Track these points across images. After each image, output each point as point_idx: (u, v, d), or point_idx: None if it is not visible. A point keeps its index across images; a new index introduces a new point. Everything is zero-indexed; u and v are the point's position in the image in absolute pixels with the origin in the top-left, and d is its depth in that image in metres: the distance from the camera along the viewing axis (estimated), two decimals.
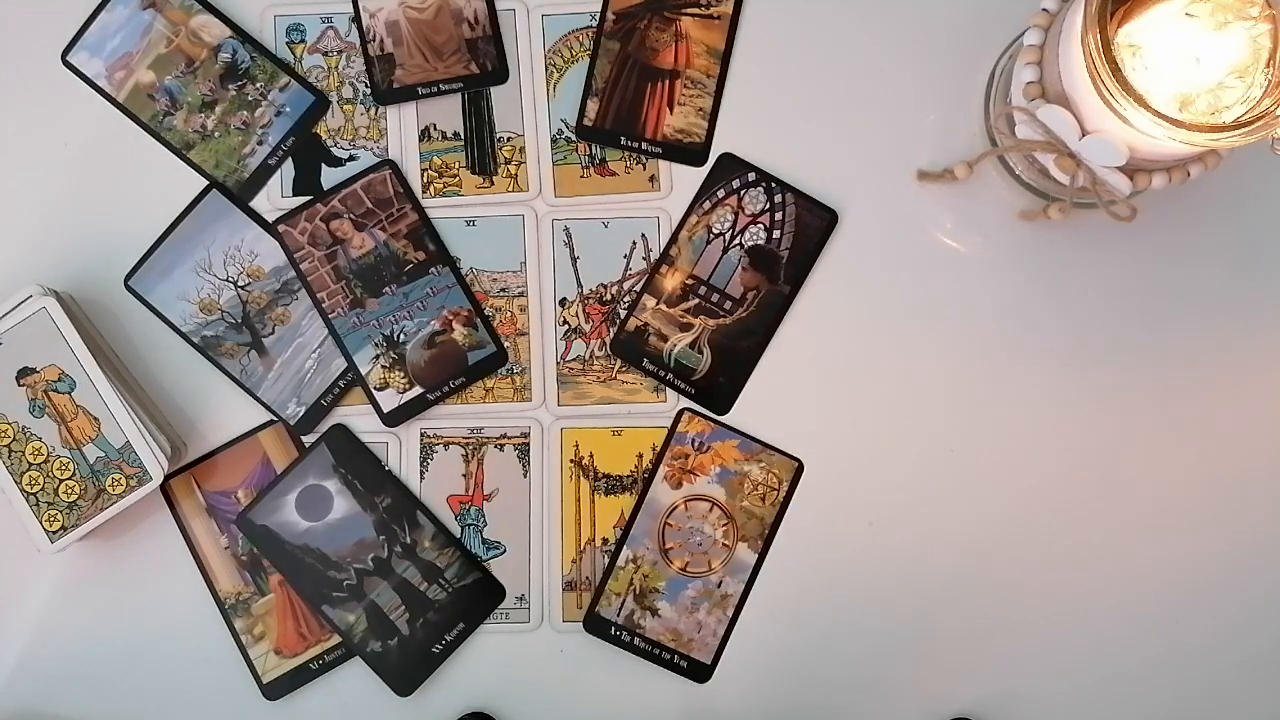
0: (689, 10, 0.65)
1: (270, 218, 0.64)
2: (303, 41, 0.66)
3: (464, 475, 0.64)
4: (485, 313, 0.64)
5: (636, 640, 0.62)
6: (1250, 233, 0.63)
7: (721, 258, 0.63)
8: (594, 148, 0.65)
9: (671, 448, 0.63)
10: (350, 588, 0.63)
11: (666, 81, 0.65)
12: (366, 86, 0.65)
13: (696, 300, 0.63)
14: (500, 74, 0.65)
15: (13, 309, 0.61)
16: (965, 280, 0.63)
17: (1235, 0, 0.49)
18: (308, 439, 0.64)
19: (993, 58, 0.61)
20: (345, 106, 0.65)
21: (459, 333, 0.64)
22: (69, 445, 0.60)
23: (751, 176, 0.64)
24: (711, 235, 0.64)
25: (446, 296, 0.64)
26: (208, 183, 0.65)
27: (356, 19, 0.65)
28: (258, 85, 0.65)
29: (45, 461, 0.60)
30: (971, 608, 0.62)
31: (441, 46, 0.65)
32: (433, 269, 0.64)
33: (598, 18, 0.65)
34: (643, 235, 0.64)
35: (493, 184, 0.65)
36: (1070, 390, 0.62)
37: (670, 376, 0.63)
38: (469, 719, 0.62)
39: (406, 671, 0.62)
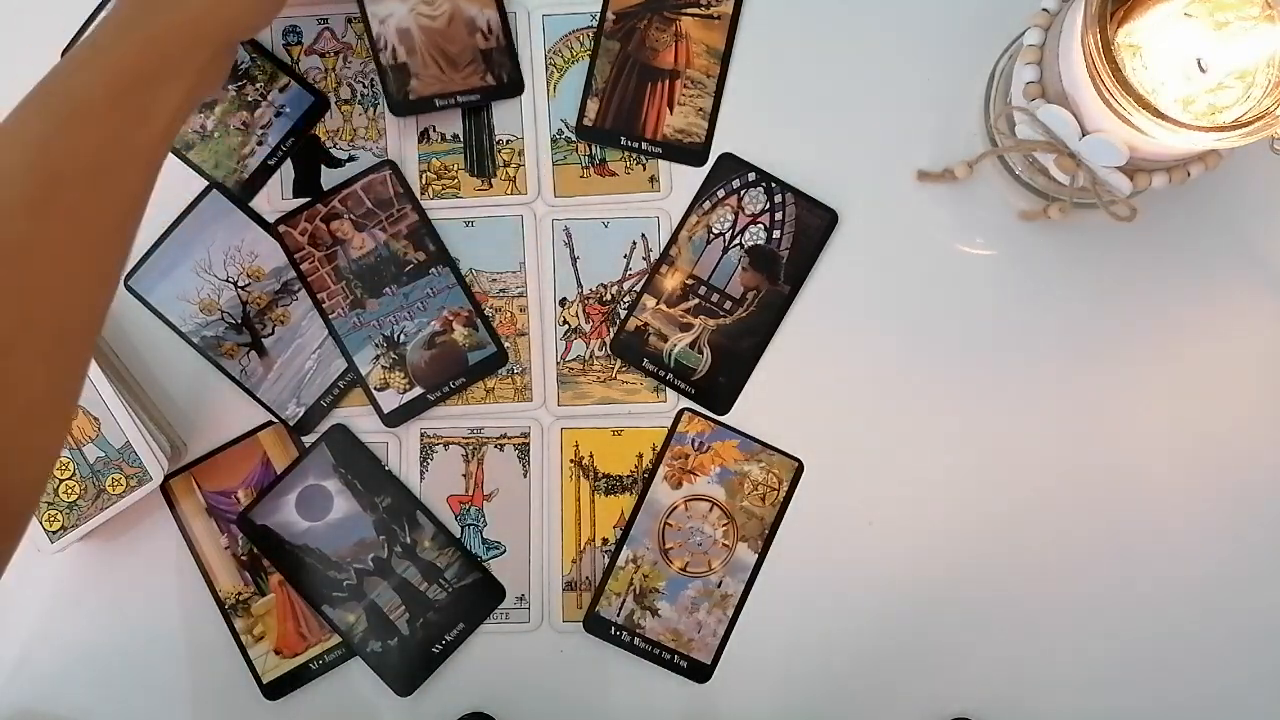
0: (689, 10, 0.65)
1: (270, 218, 0.64)
2: (299, 44, 0.66)
3: (464, 475, 0.64)
4: (485, 313, 0.64)
5: (636, 640, 0.62)
6: (1250, 232, 0.63)
7: (721, 258, 0.63)
8: (594, 148, 0.65)
9: (671, 448, 0.63)
10: (350, 588, 0.63)
11: (666, 81, 0.65)
12: (364, 88, 0.65)
13: (696, 300, 0.63)
14: (516, 85, 0.65)
15: None
16: (965, 280, 0.63)
17: (1235, 0, 0.49)
18: (308, 439, 0.64)
19: (993, 58, 0.61)
20: (344, 107, 0.65)
21: (459, 333, 0.64)
22: (69, 445, 0.60)
23: (751, 176, 0.64)
24: (711, 235, 0.64)
25: (446, 297, 0.64)
26: (207, 183, 0.65)
27: (365, 26, 0.65)
28: (257, 86, 0.65)
29: None
30: (971, 608, 0.62)
31: (456, 57, 0.64)
32: (433, 269, 0.64)
33: (598, 18, 0.65)
34: (643, 235, 0.64)
35: (491, 187, 0.65)
36: (1071, 390, 0.62)
37: (670, 376, 0.63)
38: (469, 719, 0.62)
39: (406, 671, 0.62)
